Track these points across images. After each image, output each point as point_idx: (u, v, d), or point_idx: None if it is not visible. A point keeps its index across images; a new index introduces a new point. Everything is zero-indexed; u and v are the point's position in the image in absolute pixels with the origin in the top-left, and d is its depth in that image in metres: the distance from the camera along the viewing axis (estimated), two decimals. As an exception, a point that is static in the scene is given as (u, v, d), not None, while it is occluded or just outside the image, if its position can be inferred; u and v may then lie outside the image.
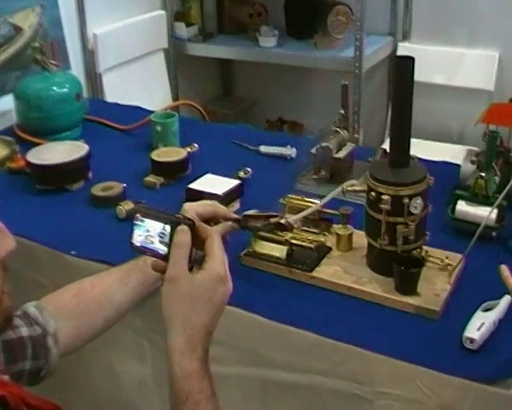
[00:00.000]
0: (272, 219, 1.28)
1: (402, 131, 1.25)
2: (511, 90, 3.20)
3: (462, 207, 1.48)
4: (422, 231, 1.30)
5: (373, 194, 1.25)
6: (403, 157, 1.27)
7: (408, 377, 1.13)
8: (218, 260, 0.97)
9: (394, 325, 1.21)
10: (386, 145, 1.31)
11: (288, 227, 1.30)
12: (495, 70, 3.30)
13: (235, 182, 1.65)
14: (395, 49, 3.54)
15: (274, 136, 2.54)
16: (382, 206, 1.22)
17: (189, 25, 3.54)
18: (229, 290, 0.97)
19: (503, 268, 1.09)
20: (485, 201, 1.45)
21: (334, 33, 3.26)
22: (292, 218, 1.32)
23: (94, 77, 3.02)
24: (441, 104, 3.50)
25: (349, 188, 1.32)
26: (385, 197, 1.21)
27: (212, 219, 1.29)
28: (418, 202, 1.23)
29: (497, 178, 1.49)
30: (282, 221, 1.28)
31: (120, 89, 3.03)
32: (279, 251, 1.36)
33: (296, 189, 1.67)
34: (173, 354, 0.92)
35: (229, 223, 1.28)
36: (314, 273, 1.32)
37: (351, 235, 1.40)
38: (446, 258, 1.31)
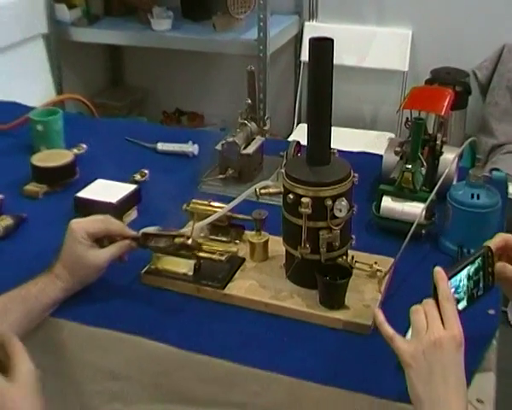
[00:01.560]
0: (177, 240, 1.23)
1: (322, 125, 1.19)
2: (425, 70, 3.26)
3: (387, 203, 1.46)
4: (348, 236, 1.25)
5: (291, 196, 1.19)
6: (323, 153, 1.22)
7: (344, 404, 1.06)
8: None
9: (321, 345, 1.15)
10: (297, 135, 1.27)
11: (195, 248, 1.25)
12: (408, 49, 3.33)
13: (131, 187, 1.57)
14: (301, 29, 3.51)
15: (172, 131, 2.47)
16: (302, 210, 1.16)
17: (71, 7, 3.39)
18: None
19: (438, 271, 1.01)
20: (413, 195, 1.42)
21: (234, 13, 3.19)
22: (197, 225, 1.25)
23: (-39, 69, 2.96)
24: (352, 87, 3.49)
25: (263, 191, 1.26)
26: (305, 200, 1.16)
27: (105, 238, 1.24)
28: (343, 203, 1.18)
29: (423, 170, 1.46)
30: (189, 242, 1.23)
31: (-7, 82, 3.00)
32: (185, 266, 1.29)
33: (201, 191, 1.63)
34: None
35: (126, 241, 1.23)
36: (227, 290, 1.26)
37: (266, 242, 1.34)
38: (375, 263, 1.27)
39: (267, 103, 3.06)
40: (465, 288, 1.05)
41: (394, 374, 1.03)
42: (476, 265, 1.07)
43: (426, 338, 0.95)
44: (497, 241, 1.10)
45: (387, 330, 1.01)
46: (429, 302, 0.99)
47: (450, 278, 1.01)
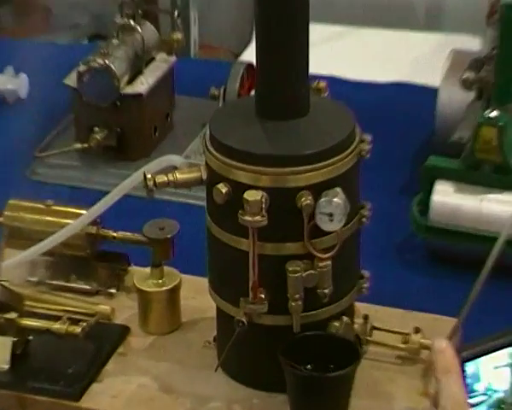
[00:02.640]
0: None
1: (285, 32, 0.95)
2: None
3: (445, 197, 1.24)
4: (353, 271, 1.00)
5: (222, 190, 0.92)
6: (291, 93, 0.97)
7: None
8: None
9: None
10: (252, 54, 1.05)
11: (9, 303, 1.03)
12: None
13: None
14: None
15: None
16: (248, 218, 0.90)
17: None
18: None
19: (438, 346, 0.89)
20: (502, 179, 1.22)
21: None
22: (11, 261, 1.04)
23: None
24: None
25: (160, 179, 0.99)
26: (252, 197, 0.89)
27: None
28: (336, 200, 0.89)
29: None
30: None
31: None
32: None
33: (31, 179, 1.40)
34: None
35: None
36: (84, 403, 0.99)
37: (174, 291, 1.11)
38: (416, 332, 1.00)
39: None
40: (490, 386, 0.91)
41: None
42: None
43: None
44: None
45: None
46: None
47: (465, 362, 0.88)
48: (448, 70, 1.41)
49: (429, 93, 1.44)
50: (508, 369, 0.90)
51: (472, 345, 0.89)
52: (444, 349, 0.87)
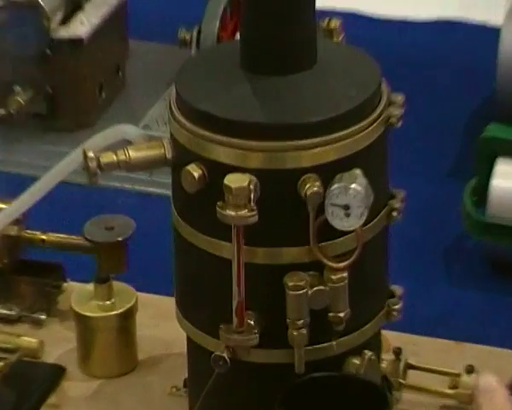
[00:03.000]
0: None
1: None
2: None
3: (509, 182, 1.26)
4: (379, 287, 0.99)
5: (194, 173, 0.93)
6: (290, 37, 0.97)
7: None
8: None
9: None
10: None
11: None
12: None
13: None
14: None
15: None
16: (229, 212, 0.89)
17: None
18: None
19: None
20: None
21: None
22: None
23: None
24: None
25: (105, 159, 1.02)
26: (238, 183, 0.89)
27: None
28: (356, 187, 0.89)
29: None
30: None
31: None
32: None
33: None
34: None
35: None
36: None
37: (129, 314, 1.18)
38: (469, 371, 1.03)
39: None
40: None
41: None
42: None
43: None
44: None
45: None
46: None
47: None
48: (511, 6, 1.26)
49: (487, 34, 1.40)
50: None
51: None
52: (493, 389, 0.91)
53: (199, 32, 1.50)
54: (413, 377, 1.12)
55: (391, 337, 1.12)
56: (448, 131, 1.49)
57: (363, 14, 1.49)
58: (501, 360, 1.14)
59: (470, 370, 1.09)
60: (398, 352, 1.11)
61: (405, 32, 1.55)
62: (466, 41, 1.60)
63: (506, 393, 0.94)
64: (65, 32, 1.50)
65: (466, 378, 1.10)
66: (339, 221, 0.93)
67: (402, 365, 1.11)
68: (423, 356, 1.16)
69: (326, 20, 1.08)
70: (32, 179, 1.11)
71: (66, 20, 1.53)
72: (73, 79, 1.51)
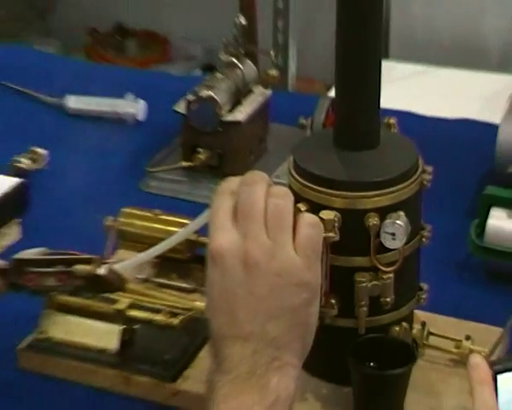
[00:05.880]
0: (78, 268, 0.95)
1: (359, 76, 0.95)
2: None
3: (499, 222, 1.24)
4: (413, 284, 1.00)
5: (302, 209, 0.92)
6: (364, 128, 0.96)
7: None
8: None
9: None
10: None
11: (114, 284, 0.99)
12: None
13: (12, 182, 1.31)
14: None
15: (102, 71, 1.96)
16: (325, 236, 0.90)
17: None
18: None
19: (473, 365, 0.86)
20: None
21: None
22: (126, 262, 0.98)
23: None
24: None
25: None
26: (327, 216, 0.88)
27: None
28: (399, 223, 0.90)
29: None
30: (100, 271, 0.96)
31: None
32: (103, 337, 1.03)
33: (144, 190, 1.39)
34: None
35: None
36: (181, 384, 0.99)
37: None
38: (467, 339, 0.99)
39: (280, 27, 2.31)
40: None
41: None
42: None
43: None
44: None
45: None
46: None
47: (498, 374, 0.84)
48: (509, 109, 1.40)
49: (492, 130, 1.40)
50: None
51: (506, 359, 0.91)
52: (478, 364, 0.87)
53: (312, 121, 1.42)
54: (432, 340, 1.09)
55: (420, 315, 1.10)
56: (462, 190, 1.45)
57: (412, 112, 1.47)
58: (489, 333, 1.11)
59: (468, 338, 1.08)
60: (423, 324, 1.09)
61: (438, 125, 1.51)
62: (477, 133, 1.55)
63: (488, 366, 0.85)
64: (230, 117, 1.47)
65: (465, 343, 1.07)
66: (389, 243, 0.99)
67: (425, 332, 1.09)
68: (439, 328, 1.11)
69: (387, 118, 1.12)
70: (206, 206, 0.96)
71: (231, 110, 1.49)
72: (234, 146, 1.48)
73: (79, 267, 0.96)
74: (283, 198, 0.86)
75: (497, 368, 0.84)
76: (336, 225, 0.89)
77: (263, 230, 0.83)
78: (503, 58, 3.01)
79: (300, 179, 0.93)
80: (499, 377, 0.83)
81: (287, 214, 0.85)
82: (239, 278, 0.84)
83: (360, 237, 0.92)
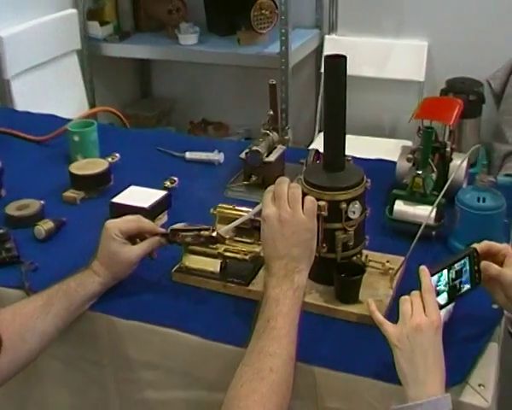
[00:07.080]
0: (202, 233, 1.29)
1: (336, 135, 1.24)
2: (441, 80, 3.31)
3: (400, 207, 1.49)
4: (362, 236, 1.30)
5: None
6: (338, 160, 1.26)
7: (355, 390, 1.12)
8: None
9: (337, 336, 1.19)
10: (317, 143, 1.34)
11: (219, 240, 1.30)
12: (424, 60, 3.37)
13: (162, 193, 1.61)
14: (322, 42, 3.56)
15: (199, 140, 2.52)
16: (319, 212, 1.18)
17: (103, 23, 3.49)
18: None
19: (422, 269, 1.10)
20: (423, 199, 1.46)
21: (257, 28, 3.26)
22: (223, 229, 1.30)
23: (1, 84, 2.90)
24: (372, 97, 3.54)
25: None
26: (321, 203, 1.20)
27: (137, 236, 1.30)
28: (356, 206, 1.23)
29: (434, 175, 1.49)
30: (213, 234, 1.28)
31: (31, 96, 2.94)
32: (212, 265, 1.34)
33: (226, 196, 1.67)
34: None
35: (156, 238, 1.29)
36: (251, 286, 1.30)
37: None
38: (387, 262, 1.31)
39: (289, 114, 3.09)
40: (448, 283, 1.11)
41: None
42: (462, 263, 1.13)
43: (409, 323, 1.04)
44: (482, 246, 1.17)
45: (378, 316, 1.11)
46: (415, 294, 1.09)
47: (433, 275, 1.09)
48: (400, 154, 1.64)
49: (393, 163, 1.64)
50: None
51: (436, 266, 1.11)
52: (427, 274, 1.10)
53: (306, 160, 1.62)
54: (371, 264, 1.32)
55: (364, 251, 1.32)
56: (382, 191, 1.58)
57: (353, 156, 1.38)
58: (398, 261, 1.33)
59: (388, 261, 1.31)
60: (366, 255, 1.31)
61: (365, 162, 1.53)
62: (386, 167, 1.69)
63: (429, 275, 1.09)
64: (267, 159, 1.69)
65: (386, 264, 1.29)
66: (351, 215, 1.22)
67: (367, 259, 1.32)
68: (374, 257, 1.33)
69: (347, 157, 1.29)
70: (257, 203, 1.22)
71: (267, 155, 1.70)
72: (270, 174, 1.63)
73: (203, 232, 1.30)
74: (297, 188, 1.17)
75: (435, 270, 1.09)
76: (326, 208, 1.20)
77: (287, 204, 1.14)
78: (391, 129, 3.65)
79: (307, 186, 1.25)
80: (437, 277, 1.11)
81: (298, 196, 1.16)
82: (276, 228, 1.13)
83: (337, 213, 1.22)
